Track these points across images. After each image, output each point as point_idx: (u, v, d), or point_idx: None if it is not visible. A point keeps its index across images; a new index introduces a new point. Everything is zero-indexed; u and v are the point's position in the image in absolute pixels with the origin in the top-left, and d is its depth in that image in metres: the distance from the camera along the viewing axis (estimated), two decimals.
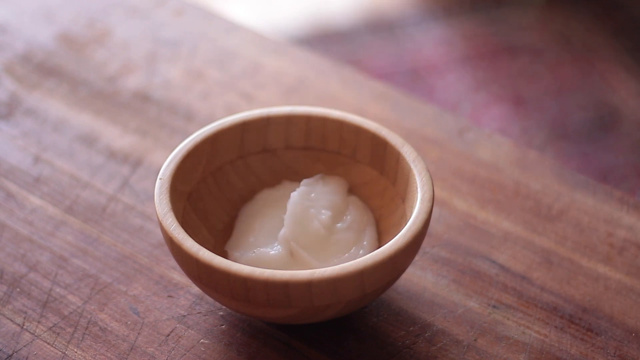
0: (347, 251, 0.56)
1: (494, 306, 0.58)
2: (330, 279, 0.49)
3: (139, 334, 0.56)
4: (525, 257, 0.61)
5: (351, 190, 0.60)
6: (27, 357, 0.55)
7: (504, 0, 1.73)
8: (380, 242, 0.57)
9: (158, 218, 0.53)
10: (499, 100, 1.49)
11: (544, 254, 0.62)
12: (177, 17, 0.85)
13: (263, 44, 0.82)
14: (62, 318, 0.57)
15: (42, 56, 0.79)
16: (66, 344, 0.55)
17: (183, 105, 0.74)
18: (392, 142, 0.57)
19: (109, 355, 0.55)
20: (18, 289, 0.59)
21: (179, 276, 0.59)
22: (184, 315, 0.57)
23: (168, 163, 0.56)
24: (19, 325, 0.56)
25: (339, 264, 0.50)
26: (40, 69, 0.78)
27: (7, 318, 0.57)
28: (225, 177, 0.59)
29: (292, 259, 0.55)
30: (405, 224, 0.52)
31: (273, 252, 0.55)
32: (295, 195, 0.57)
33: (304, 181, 0.58)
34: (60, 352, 0.55)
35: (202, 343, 0.56)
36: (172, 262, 0.60)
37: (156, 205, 0.53)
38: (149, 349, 0.55)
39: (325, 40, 1.63)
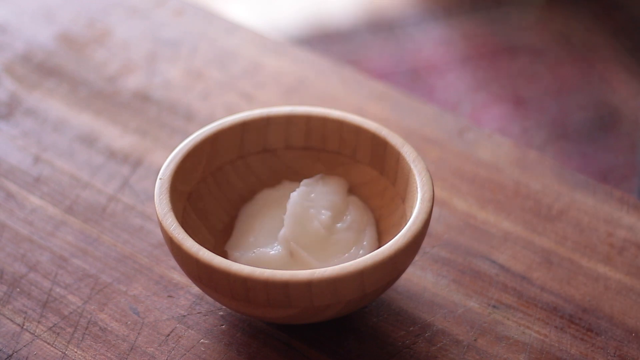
0: (347, 251, 0.56)
1: (494, 306, 0.58)
2: (330, 279, 0.49)
3: (139, 334, 0.56)
4: (525, 257, 0.61)
5: (351, 190, 0.60)
6: (27, 357, 0.55)
7: (504, 0, 1.73)
8: (380, 242, 0.57)
9: (158, 218, 0.53)
10: (499, 100, 1.49)
11: (544, 254, 0.62)
12: (177, 17, 0.85)
13: (263, 44, 0.82)
14: (62, 318, 0.57)
15: (42, 56, 0.79)
16: (66, 344, 0.55)
17: (183, 105, 0.74)
18: (392, 142, 0.57)
19: (109, 355, 0.55)
20: (18, 289, 0.59)
21: (179, 276, 0.59)
22: (184, 315, 0.57)
23: (168, 163, 0.56)
24: (19, 325, 0.56)
25: (339, 264, 0.50)
26: (40, 69, 0.78)
27: (7, 318, 0.57)
28: (225, 177, 0.59)
29: (292, 259, 0.55)
30: (405, 224, 0.52)
31: (273, 252, 0.55)
32: (295, 195, 0.57)
33: (304, 181, 0.58)
34: (60, 352, 0.55)
35: (202, 343, 0.56)
36: (172, 262, 0.60)
37: (156, 205, 0.53)
38: (149, 349, 0.55)
39: (325, 40, 1.63)
